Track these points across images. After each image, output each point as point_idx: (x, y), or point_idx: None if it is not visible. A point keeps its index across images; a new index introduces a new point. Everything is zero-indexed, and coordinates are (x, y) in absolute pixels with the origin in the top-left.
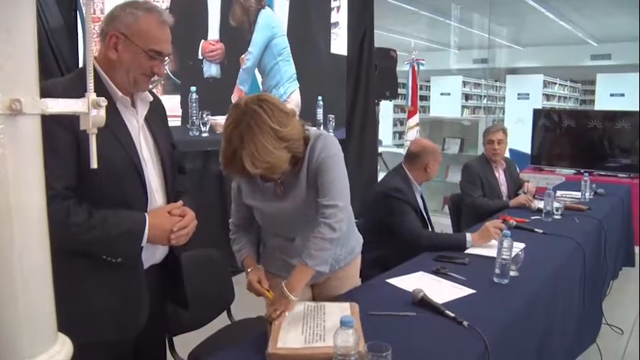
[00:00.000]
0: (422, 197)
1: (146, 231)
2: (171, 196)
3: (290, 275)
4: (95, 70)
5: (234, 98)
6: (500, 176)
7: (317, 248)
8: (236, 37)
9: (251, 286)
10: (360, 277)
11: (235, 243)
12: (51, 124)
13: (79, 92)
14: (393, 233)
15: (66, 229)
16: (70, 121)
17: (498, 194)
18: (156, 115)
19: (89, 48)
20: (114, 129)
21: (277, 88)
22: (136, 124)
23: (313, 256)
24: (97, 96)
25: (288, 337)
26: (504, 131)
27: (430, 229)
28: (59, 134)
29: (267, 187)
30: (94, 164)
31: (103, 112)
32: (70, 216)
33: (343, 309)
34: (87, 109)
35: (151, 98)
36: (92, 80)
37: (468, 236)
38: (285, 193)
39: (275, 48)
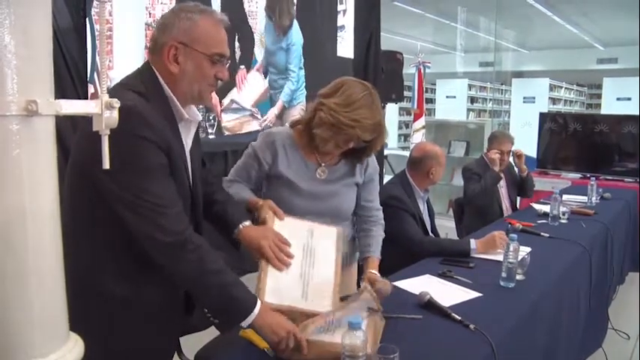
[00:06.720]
0: (428, 203)
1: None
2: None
3: (367, 268)
4: (162, 86)
5: (278, 109)
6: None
7: (379, 243)
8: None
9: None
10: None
11: (232, 187)
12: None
13: (159, 113)
14: (393, 241)
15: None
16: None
17: (497, 197)
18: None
19: (102, 49)
20: (177, 155)
21: (296, 93)
22: (187, 145)
23: (379, 250)
24: (164, 117)
25: (280, 285)
26: (512, 142)
27: (433, 236)
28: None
29: (309, 164)
30: (106, 165)
31: (115, 114)
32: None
33: (330, 234)
34: (100, 110)
35: (200, 117)
36: (106, 82)
37: (473, 243)
38: (328, 176)
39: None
